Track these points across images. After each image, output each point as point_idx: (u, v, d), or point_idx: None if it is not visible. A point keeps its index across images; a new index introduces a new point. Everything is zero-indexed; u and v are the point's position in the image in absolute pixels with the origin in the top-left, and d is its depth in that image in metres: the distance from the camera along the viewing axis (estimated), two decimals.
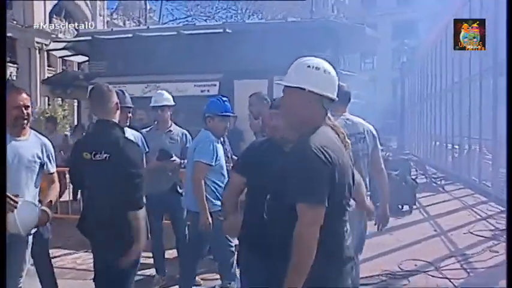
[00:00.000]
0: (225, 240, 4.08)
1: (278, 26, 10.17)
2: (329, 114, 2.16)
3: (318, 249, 1.92)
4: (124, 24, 31.44)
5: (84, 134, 7.74)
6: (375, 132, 3.95)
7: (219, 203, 3.74)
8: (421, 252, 5.69)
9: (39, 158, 3.19)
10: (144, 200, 3.03)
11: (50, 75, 22.76)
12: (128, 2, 33.31)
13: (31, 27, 26.23)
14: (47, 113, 19.96)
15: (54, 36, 24.89)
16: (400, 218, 7.83)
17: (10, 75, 25.00)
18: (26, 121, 3.15)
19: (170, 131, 4.97)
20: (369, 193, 3.74)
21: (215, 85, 8.83)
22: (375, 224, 3.97)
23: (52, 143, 3.41)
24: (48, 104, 25.30)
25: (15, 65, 26.88)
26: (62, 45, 11.73)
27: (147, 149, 4.52)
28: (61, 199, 7.09)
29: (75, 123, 22.14)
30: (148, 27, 12.80)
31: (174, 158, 4.85)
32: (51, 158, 3.30)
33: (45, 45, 25.30)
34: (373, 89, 32.51)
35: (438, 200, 9.56)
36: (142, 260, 3.34)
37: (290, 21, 10.39)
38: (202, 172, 3.99)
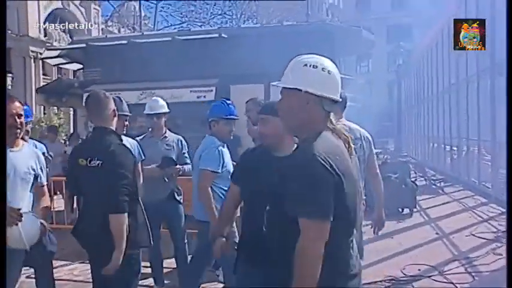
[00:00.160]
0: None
1: (274, 30, 10.13)
2: (331, 117, 1.99)
3: (322, 266, 1.75)
4: (119, 31, 31.36)
5: (80, 141, 7.65)
6: (370, 138, 4.00)
7: None
8: (423, 256, 5.61)
9: (34, 169, 3.14)
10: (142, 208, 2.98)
11: (45, 83, 22.62)
12: (123, 10, 33.28)
13: (25, 36, 26.14)
14: (42, 122, 19.82)
15: (49, 44, 24.81)
16: (401, 221, 7.76)
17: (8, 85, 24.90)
18: (19, 130, 3.08)
19: (165, 137, 4.90)
20: (364, 197, 3.79)
21: (211, 90, 8.77)
22: (371, 228, 3.99)
23: (52, 152, 3.36)
24: (44, 113, 25.16)
25: (10, 74, 26.75)
26: (56, 53, 11.66)
27: (143, 157, 4.43)
28: (56, 209, 7.04)
29: (72, 131, 22.00)
30: (143, 33, 12.74)
31: (179, 166, 4.79)
32: (43, 169, 3.24)
33: (40, 53, 25.20)
34: (369, 92, 32.59)
35: (438, 203, 9.50)
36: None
37: (286, 25, 10.36)
38: (209, 180, 3.86)
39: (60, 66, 15.53)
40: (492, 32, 9.09)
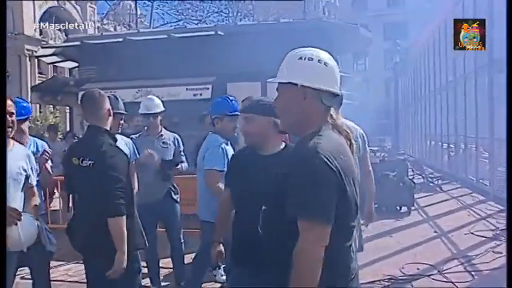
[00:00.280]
0: None
1: (270, 28, 10.08)
2: (332, 112, 1.87)
3: (322, 270, 1.65)
4: (115, 29, 31.23)
5: (76, 140, 7.59)
6: (364, 135, 3.98)
7: None
8: (422, 255, 5.57)
9: (25, 170, 3.08)
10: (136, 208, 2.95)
11: (40, 82, 22.50)
12: (119, 8, 33.13)
13: (21, 34, 26.01)
14: (38, 120, 19.71)
15: (44, 43, 24.67)
16: (399, 219, 7.73)
17: None
18: (10, 129, 3.01)
19: (161, 135, 4.84)
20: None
21: (208, 88, 8.71)
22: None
23: (51, 151, 3.33)
24: (40, 112, 25.04)
25: (6, 73, 26.60)
26: (51, 51, 11.56)
27: (137, 156, 4.37)
28: (51, 208, 6.97)
29: (68, 130, 21.91)
30: (138, 31, 12.64)
31: (180, 166, 4.73)
32: (34, 169, 3.18)
33: (35, 52, 25.08)
34: (366, 89, 32.58)
35: (436, 200, 9.46)
36: None
37: (282, 22, 10.30)
38: (218, 179, 3.74)
39: (56, 64, 15.39)
40: (490, 28, 9.06)
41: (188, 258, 5.02)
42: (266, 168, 2.41)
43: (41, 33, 28.68)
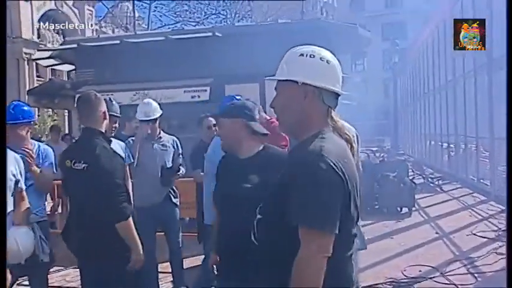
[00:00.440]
0: None
1: (268, 28, 10.00)
2: (333, 114, 1.77)
3: (323, 282, 1.55)
4: (113, 32, 31.16)
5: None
6: (358, 137, 3.89)
7: None
8: (424, 257, 5.51)
9: (14, 175, 3.01)
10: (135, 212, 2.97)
11: (37, 85, 22.41)
12: (116, 10, 33.06)
13: (19, 37, 25.94)
14: (36, 124, 19.62)
15: (42, 46, 24.61)
16: (400, 221, 7.66)
17: None
18: None
19: (160, 138, 4.79)
20: None
21: (205, 90, 8.64)
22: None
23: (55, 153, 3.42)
24: (38, 115, 24.95)
25: (6, 74, 26.52)
26: (48, 54, 11.48)
27: (131, 160, 4.32)
28: (47, 212, 6.89)
29: (66, 133, 21.82)
30: (135, 33, 12.58)
31: (181, 171, 4.66)
32: (23, 174, 3.11)
33: (33, 55, 25.02)
34: (364, 90, 32.57)
35: (437, 201, 9.40)
36: None
37: (280, 23, 10.24)
38: None
39: (53, 67, 15.31)
40: (490, 27, 9.00)
41: (187, 262, 4.97)
42: (242, 172, 2.37)
43: (39, 37, 28.60)
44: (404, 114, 24.41)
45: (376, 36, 28.18)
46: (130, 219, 2.88)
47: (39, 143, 3.99)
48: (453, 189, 10.78)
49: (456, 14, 11.36)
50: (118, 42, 9.47)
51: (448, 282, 4.67)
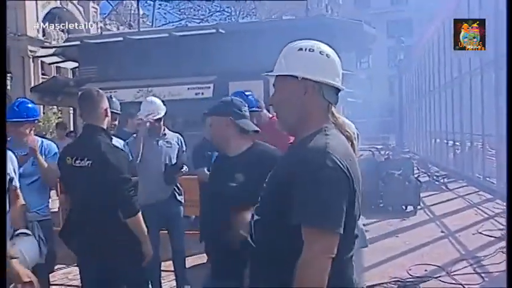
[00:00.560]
0: None
1: (272, 25, 9.95)
2: (334, 110, 1.72)
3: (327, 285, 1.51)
4: (118, 29, 31.20)
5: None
6: (358, 134, 3.82)
7: None
8: (429, 256, 5.44)
9: (8, 174, 2.96)
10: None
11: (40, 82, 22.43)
12: (121, 8, 33.08)
13: (24, 35, 25.96)
14: (40, 121, 19.64)
15: (47, 43, 24.64)
16: (406, 219, 7.59)
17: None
18: None
19: (165, 134, 4.74)
20: None
21: (209, 87, 8.60)
22: None
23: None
24: (43, 112, 25.00)
25: (9, 74, 26.58)
26: (51, 51, 11.47)
27: (130, 158, 4.28)
28: (51, 210, 6.86)
29: (71, 130, 21.83)
30: (139, 30, 12.54)
31: (184, 168, 4.63)
32: (16, 172, 3.07)
33: (37, 53, 25.06)
34: (369, 87, 32.45)
35: (442, 199, 9.31)
36: None
37: (285, 20, 10.17)
38: None
39: (58, 65, 15.31)
40: (495, 24, 8.92)
41: (190, 261, 4.93)
42: (230, 170, 2.34)
43: (44, 35, 28.62)
44: (410, 111, 24.28)
45: (382, 33, 28.08)
46: (140, 213, 2.90)
47: (43, 138, 3.96)
48: (459, 188, 10.69)
49: (462, 11, 11.26)
50: (121, 39, 9.44)
51: (454, 282, 4.60)
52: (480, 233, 6.43)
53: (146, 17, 32.17)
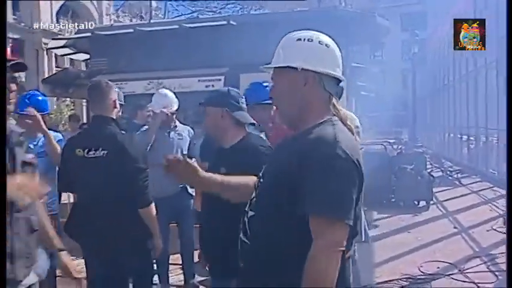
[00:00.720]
0: None
1: (284, 17, 9.81)
2: (334, 101, 1.66)
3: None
4: (131, 21, 31.29)
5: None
6: (360, 127, 3.76)
7: None
8: (442, 253, 5.34)
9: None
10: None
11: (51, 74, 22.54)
12: (134, 2, 33.12)
13: (38, 28, 26.13)
14: (52, 114, 19.77)
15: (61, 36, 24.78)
16: (418, 214, 7.49)
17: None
18: None
19: (176, 127, 4.70)
20: None
21: (220, 80, 8.54)
22: None
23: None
24: (56, 105, 25.18)
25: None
26: (62, 43, 11.48)
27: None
28: (61, 202, 6.88)
29: (84, 122, 21.93)
30: (149, 22, 12.50)
31: (193, 160, 4.58)
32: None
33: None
34: (382, 80, 32.14)
35: (456, 195, 9.18)
36: None
37: (297, 11, 10.05)
38: None
39: (71, 57, 15.33)
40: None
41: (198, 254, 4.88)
42: (223, 162, 2.29)
43: (57, 27, 28.78)
44: (423, 105, 24.00)
45: (395, 26, 27.75)
46: (153, 204, 2.93)
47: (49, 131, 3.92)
48: (472, 183, 10.53)
49: (478, 4, 11.04)
50: (131, 31, 9.41)
51: (467, 280, 4.51)
52: (494, 229, 6.30)
53: (159, 9, 32.17)
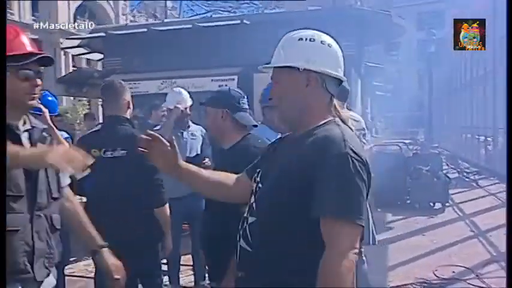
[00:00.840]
0: None
1: (298, 16, 9.72)
2: (335, 102, 1.63)
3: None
4: (147, 21, 31.52)
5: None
6: (365, 129, 3.71)
7: None
8: (458, 256, 5.23)
9: None
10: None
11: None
12: (150, 2, 33.33)
13: (56, 28, 26.45)
14: (67, 113, 19.97)
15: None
16: (433, 217, 7.37)
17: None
18: None
19: (189, 126, 4.68)
20: None
21: (233, 79, 8.48)
22: None
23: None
24: (73, 104, 25.46)
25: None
26: (76, 42, 11.55)
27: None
28: None
29: (100, 121, 22.09)
30: (163, 21, 12.53)
31: (206, 160, 4.55)
32: None
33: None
34: (398, 80, 31.82)
35: (473, 197, 9.03)
36: None
37: (311, 10, 9.94)
38: None
39: (86, 56, 15.45)
40: None
41: None
42: (223, 163, 2.26)
43: (75, 28, 29.12)
44: (439, 105, 23.70)
45: (411, 25, 27.45)
46: (168, 204, 2.95)
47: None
48: (490, 185, 10.34)
49: (497, 2, 10.83)
50: (145, 30, 9.41)
51: (484, 286, 4.40)
52: None
53: (175, 9, 32.31)
